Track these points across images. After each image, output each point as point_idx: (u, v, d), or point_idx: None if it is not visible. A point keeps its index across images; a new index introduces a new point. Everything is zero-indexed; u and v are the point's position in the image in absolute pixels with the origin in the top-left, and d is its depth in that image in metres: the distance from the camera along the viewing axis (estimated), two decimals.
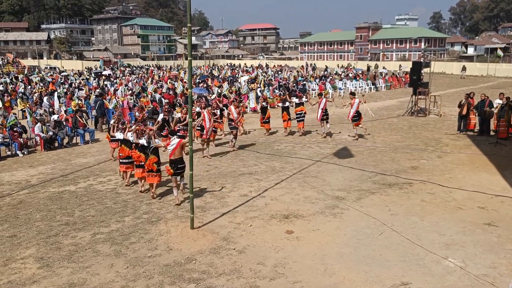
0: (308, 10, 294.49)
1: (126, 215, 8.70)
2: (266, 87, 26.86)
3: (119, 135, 10.71)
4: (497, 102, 15.69)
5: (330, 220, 8.29)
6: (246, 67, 54.73)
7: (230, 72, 43.37)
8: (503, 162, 12.10)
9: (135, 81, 33.32)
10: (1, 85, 29.46)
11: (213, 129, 13.29)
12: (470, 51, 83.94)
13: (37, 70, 50.73)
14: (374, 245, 7.21)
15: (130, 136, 10.00)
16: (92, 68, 55.04)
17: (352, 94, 15.96)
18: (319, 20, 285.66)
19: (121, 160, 10.56)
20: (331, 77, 34.61)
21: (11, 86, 29.78)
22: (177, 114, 13.95)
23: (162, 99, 21.16)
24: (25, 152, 14.36)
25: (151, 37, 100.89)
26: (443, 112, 20.50)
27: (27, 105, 19.75)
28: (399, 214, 8.53)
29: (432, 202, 9.16)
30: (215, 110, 14.57)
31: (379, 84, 34.14)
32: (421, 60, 25.58)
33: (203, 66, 60.05)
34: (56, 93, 22.90)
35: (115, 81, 33.87)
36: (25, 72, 47.29)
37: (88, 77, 38.68)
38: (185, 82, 26.89)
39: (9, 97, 22.13)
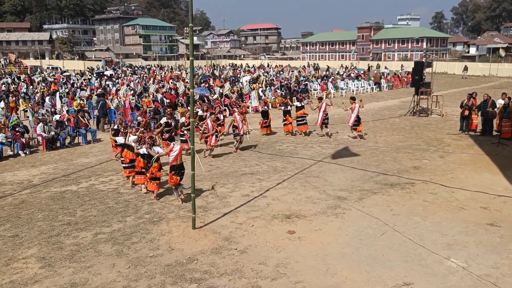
0: (309, 10, 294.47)
1: (128, 215, 8.70)
2: (268, 87, 26.85)
3: (120, 140, 10.71)
4: (500, 102, 15.65)
5: (332, 220, 8.28)
6: (248, 67, 54.72)
7: (232, 72, 43.37)
8: (506, 162, 12.06)
9: (137, 81, 33.34)
10: (3, 85, 29.53)
11: (216, 134, 13.25)
12: (472, 51, 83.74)
13: (39, 70, 50.80)
14: (376, 245, 7.19)
15: (132, 142, 10.02)
16: (94, 68, 55.09)
17: (352, 99, 15.86)
18: (321, 20, 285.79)
19: (124, 165, 10.57)
20: (333, 77, 34.58)
21: (13, 86, 29.81)
22: (182, 119, 13.94)
23: (164, 99, 21.17)
24: (27, 152, 14.38)
25: (153, 37, 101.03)
26: (445, 112, 20.46)
27: (29, 105, 19.78)
28: (401, 214, 8.51)
29: (434, 202, 9.14)
30: (219, 115, 14.55)
31: (383, 84, 34.10)
32: (423, 60, 25.56)
33: (204, 66, 60.05)
34: (58, 93, 22.91)
35: (117, 81, 33.91)
36: (28, 72, 47.38)
37: (90, 77, 38.71)
38: (187, 82, 26.88)
39: (14, 98, 22.15)
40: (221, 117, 14.81)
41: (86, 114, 17.68)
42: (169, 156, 9.16)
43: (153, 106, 19.57)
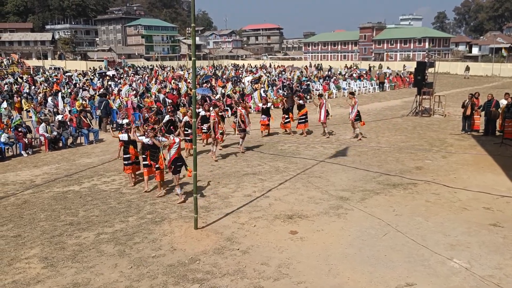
0: (312, 10, 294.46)
1: (130, 215, 8.71)
2: (270, 87, 26.85)
3: (123, 137, 10.72)
4: (502, 102, 15.59)
5: (334, 220, 8.27)
6: (250, 67, 54.73)
7: (234, 73, 43.39)
8: (508, 162, 12.02)
9: (139, 81, 33.39)
10: (6, 85, 29.61)
11: (220, 131, 13.26)
12: (475, 51, 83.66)
13: (41, 70, 50.92)
14: (378, 246, 7.18)
15: (144, 139, 10.02)
16: (97, 68, 55.19)
17: (352, 94, 15.98)
18: (323, 20, 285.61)
19: (125, 163, 10.58)
20: (335, 77, 34.56)
21: (15, 86, 29.89)
22: (185, 118, 13.94)
23: (166, 99, 21.18)
24: (30, 152, 14.42)
25: (155, 37, 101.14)
26: (447, 112, 20.42)
27: (32, 105, 19.83)
28: (403, 214, 8.49)
29: (437, 202, 9.11)
30: (222, 113, 14.58)
31: (385, 84, 34.04)
32: (426, 60, 25.52)
33: (206, 66, 60.09)
34: (60, 93, 22.98)
35: (119, 81, 33.96)
36: (30, 72, 47.48)
37: (92, 77, 38.79)
38: (189, 82, 26.90)
39: (19, 98, 22.21)
40: (225, 115, 14.83)
41: (88, 114, 17.70)
42: (171, 149, 9.19)
43: (156, 106, 19.56)
